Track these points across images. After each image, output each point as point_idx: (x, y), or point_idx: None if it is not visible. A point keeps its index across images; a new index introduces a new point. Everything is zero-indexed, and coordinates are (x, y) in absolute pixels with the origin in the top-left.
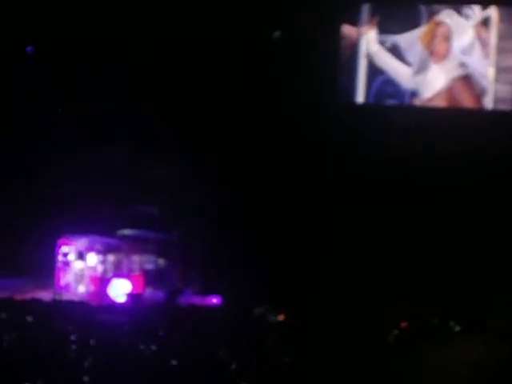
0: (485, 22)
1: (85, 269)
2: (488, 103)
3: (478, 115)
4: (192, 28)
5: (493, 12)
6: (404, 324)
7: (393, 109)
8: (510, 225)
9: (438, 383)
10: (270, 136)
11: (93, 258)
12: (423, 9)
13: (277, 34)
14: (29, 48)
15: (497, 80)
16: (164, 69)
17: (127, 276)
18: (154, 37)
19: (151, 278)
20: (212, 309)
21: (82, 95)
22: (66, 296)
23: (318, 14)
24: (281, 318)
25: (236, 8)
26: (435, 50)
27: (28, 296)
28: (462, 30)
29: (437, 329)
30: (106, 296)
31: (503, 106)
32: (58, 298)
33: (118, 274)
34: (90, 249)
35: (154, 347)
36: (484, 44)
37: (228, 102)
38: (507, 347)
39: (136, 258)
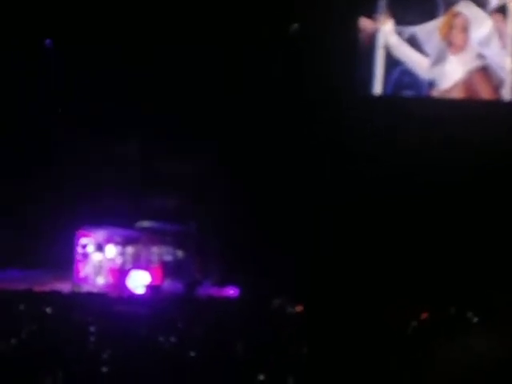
0: (502, 12)
1: (104, 260)
2: (506, 94)
3: (496, 106)
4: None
5: (510, 2)
6: (424, 315)
7: (411, 100)
8: None
9: (455, 375)
10: (288, 131)
11: (111, 250)
12: (441, 0)
13: (294, 26)
14: (47, 41)
15: None
16: (183, 64)
17: (146, 268)
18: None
19: (170, 269)
20: (230, 300)
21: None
22: (85, 288)
23: (335, 6)
24: (299, 309)
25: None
26: (453, 42)
27: (47, 288)
28: (480, 21)
29: (454, 320)
30: (125, 287)
31: None
32: (76, 289)
33: (137, 265)
34: (109, 240)
35: (172, 339)
36: (502, 34)
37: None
38: None
39: (154, 250)
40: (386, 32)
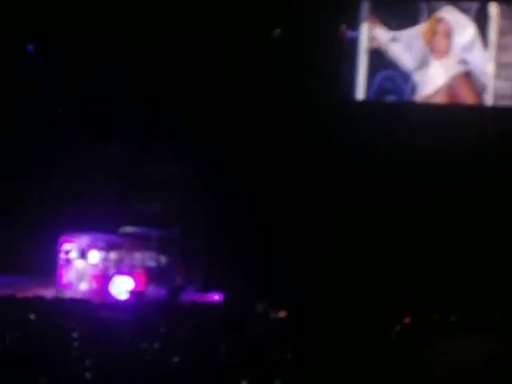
0: (484, 19)
1: (87, 266)
2: (488, 100)
3: (479, 112)
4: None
5: (492, 8)
6: (407, 320)
7: (394, 105)
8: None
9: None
10: (271, 134)
11: (95, 256)
12: (424, 5)
13: (277, 31)
14: (29, 47)
15: (497, 76)
16: (165, 68)
17: (129, 273)
18: (156, 36)
19: (153, 275)
20: (214, 306)
21: (83, 94)
22: (68, 293)
23: (319, 12)
24: (282, 314)
25: (235, 8)
26: (436, 47)
27: (30, 294)
28: (463, 27)
29: (438, 325)
30: (108, 293)
31: (503, 102)
32: (60, 295)
33: (120, 271)
34: (92, 246)
35: (156, 344)
36: (484, 40)
37: (229, 100)
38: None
39: (138, 255)
40: (373, 36)
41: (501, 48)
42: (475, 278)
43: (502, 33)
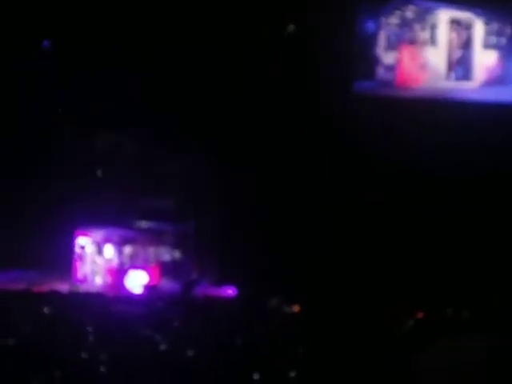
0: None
1: (101, 260)
2: None
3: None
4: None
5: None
6: (420, 315)
7: (407, 100)
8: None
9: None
10: (283, 129)
11: (109, 250)
12: None
13: (291, 27)
14: (45, 43)
15: None
16: (174, 65)
17: (143, 267)
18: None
19: (167, 269)
20: (227, 300)
21: (95, 92)
22: (83, 287)
23: (333, 6)
24: (296, 308)
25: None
26: None
27: (45, 288)
28: None
29: (451, 320)
30: (123, 287)
31: None
32: (75, 289)
33: (135, 265)
34: (107, 240)
35: (170, 338)
36: None
37: (237, 97)
38: None
39: (152, 250)
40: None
41: None
42: (483, 275)
43: None
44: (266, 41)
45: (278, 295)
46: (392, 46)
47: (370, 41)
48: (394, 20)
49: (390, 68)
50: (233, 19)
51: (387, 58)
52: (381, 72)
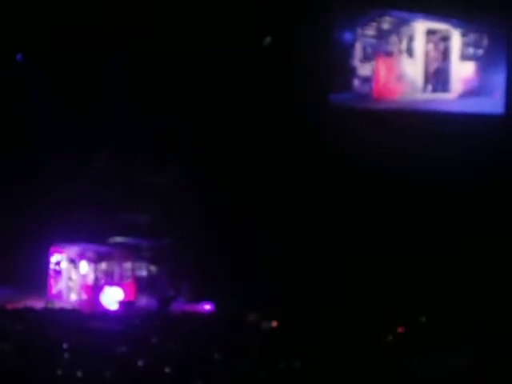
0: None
1: (77, 277)
2: None
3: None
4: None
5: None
6: (400, 329)
7: (384, 112)
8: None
9: None
10: (260, 142)
11: (85, 266)
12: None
13: (268, 39)
14: (19, 56)
15: None
16: (154, 77)
17: (119, 283)
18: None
19: (143, 285)
20: (204, 316)
21: (74, 103)
22: (59, 304)
23: (312, 18)
24: (274, 324)
25: (226, 15)
26: None
27: (20, 305)
28: None
29: (429, 333)
30: (99, 304)
31: None
32: (50, 306)
33: (110, 281)
34: (82, 257)
35: (146, 355)
36: None
37: (218, 108)
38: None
39: (128, 266)
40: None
41: None
42: (468, 287)
43: None
44: (242, 53)
45: (256, 311)
46: (368, 57)
47: (347, 52)
48: (370, 31)
49: (367, 80)
50: (209, 33)
51: (363, 69)
52: (357, 84)
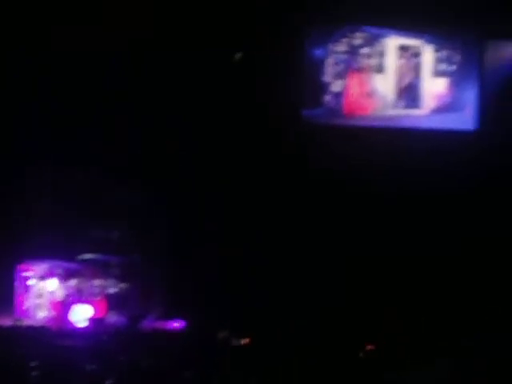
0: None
1: (45, 294)
2: None
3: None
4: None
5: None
6: (370, 347)
7: (355, 127)
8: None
9: None
10: (232, 156)
11: (53, 283)
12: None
13: (238, 55)
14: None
15: None
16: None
17: (88, 301)
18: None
19: (113, 302)
20: (175, 333)
21: (43, 120)
22: (27, 322)
23: (282, 32)
24: (245, 341)
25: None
26: None
27: None
28: None
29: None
30: (68, 321)
31: None
32: (17, 323)
33: (80, 298)
34: (51, 274)
35: (116, 372)
36: None
37: (182, 129)
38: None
39: (97, 283)
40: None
41: None
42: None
43: None
44: (213, 68)
45: (227, 328)
46: (340, 73)
47: (318, 68)
48: (341, 47)
49: (338, 95)
50: (177, 46)
51: (335, 85)
52: (328, 100)
